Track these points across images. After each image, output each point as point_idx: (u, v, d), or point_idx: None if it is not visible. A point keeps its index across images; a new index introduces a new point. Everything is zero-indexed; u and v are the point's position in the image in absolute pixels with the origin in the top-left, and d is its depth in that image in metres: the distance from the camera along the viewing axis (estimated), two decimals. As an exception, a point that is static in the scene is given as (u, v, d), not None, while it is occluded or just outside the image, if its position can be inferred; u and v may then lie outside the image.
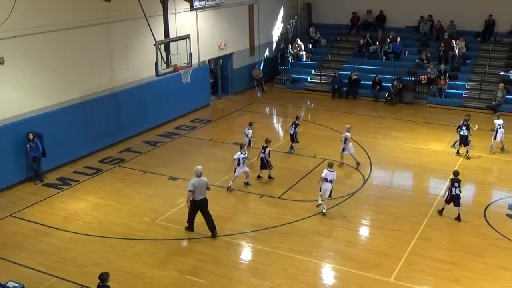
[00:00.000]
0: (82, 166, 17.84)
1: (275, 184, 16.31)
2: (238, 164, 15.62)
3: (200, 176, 12.98)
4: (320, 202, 14.48)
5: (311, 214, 14.42)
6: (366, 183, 16.47)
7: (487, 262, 12.17)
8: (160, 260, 12.34)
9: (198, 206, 13.09)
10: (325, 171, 14.34)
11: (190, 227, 13.49)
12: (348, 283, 11.52)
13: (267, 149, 16.30)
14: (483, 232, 13.55)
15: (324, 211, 14.35)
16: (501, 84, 23.67)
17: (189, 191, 12.88)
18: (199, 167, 13.18)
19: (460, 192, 13.96)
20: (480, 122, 22.28)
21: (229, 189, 15.81)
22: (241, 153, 15.58)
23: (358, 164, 17.41)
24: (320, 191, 14.35)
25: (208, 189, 13.20)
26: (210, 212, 13.26)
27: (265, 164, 16.33)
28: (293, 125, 18.62)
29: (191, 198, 12.97)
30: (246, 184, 16.17)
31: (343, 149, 17.39)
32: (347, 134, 17.24)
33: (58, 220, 14.23)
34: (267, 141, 16.56)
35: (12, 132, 15.91)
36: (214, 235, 13.25)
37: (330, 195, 14.34)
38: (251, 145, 18.09)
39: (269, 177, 16.58)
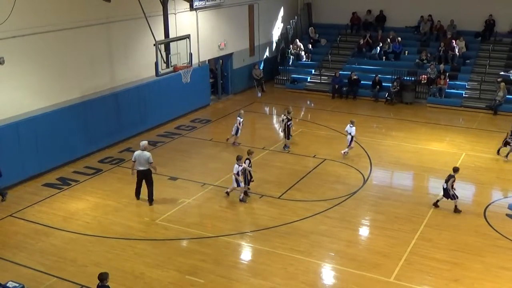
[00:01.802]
0: (82, 166, 17.84)
1: (275, 184, 16.29)
2: None
3: (143, 150, 14.73)
4: (345, 151, 18.28)
5: (311, 214, 14.42)
6: (366, 183, 16.46)
7: (487, 262, 12.17)
8: (160, 260, 12.34)
9: (139, 175, 14.92)
10: (347, 126, 18.23)
11: (136, 196, 15.26)
12: (348, 283, 11.51)
13: (247, 161, 15.02)
14: (483, 232, 13.54)
15: (344, 152, 18.27)
16: (503, 84, 23.65)
17: (132, 161, 14.95)
18: (144, 142, 15.02)
19: (446, 187, 14.39)
20: (480, 122, 22.36)
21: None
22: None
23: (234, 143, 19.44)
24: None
25: (150, 163, 14.72)
26: (153, 182, 15.09)
27: (244, 177, 15.09)
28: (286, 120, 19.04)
29: (134, 168, 14.92)
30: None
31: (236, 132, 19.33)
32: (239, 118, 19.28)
33: (58, 220, 14.23)
34: (249, 153, 15.40)
35: (13, 132, 15.92)
36: (150, 203, 15.08)
37: (350, 144, 18.18)
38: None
39: (245, 193, 15.31)
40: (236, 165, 14.90)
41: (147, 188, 15.04)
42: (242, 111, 19.87)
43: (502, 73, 24.99)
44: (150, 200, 15.04)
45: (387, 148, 19.44)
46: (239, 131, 19.33)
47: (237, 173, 14.84)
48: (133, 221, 14.16)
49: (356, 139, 18.42)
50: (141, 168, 14.79)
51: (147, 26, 17.75)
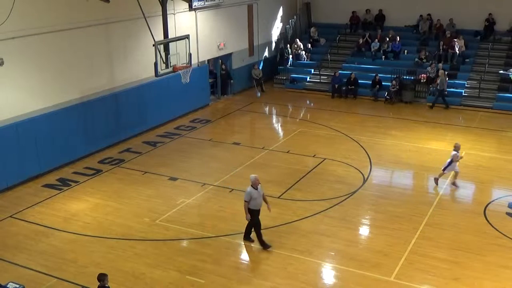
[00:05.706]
0: (82, 166, 17.83)
1: (275, 184, 16.28)
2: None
3: (254, 185, 12.54)
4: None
5: (311, 214, 14.42)
6: (366, 182, 16.46)
7: (488, 261, 12.17)
8: (160, 260, 12.34)
9: (256, 215, 12.77)
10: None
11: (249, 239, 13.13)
12: (348, 283, 11.51)
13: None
14: (484, 230, 13.54)
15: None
16: (441, 71, 24.20)
17: (245, 201, 12.57)
18: (254, 175, 12.69)
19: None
20: (480, 121, 22.37)
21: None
22: None
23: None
24: None
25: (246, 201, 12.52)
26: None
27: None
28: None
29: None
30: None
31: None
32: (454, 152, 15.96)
33: (58, 221, 14.23)
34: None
35: (13, 132, 15.92)
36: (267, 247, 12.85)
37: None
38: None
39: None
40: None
41: (256, 231, 12.79)
42: (458, 143, 16.21)
43: (501, 71, 25.00)
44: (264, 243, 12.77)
45: (387, 147, 19.44)
46: (450, 166, 15.89)
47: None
48: (133, 222, 14.15)
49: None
50: (256, 208, 12.61)
51: (146, 27, 17.74)
